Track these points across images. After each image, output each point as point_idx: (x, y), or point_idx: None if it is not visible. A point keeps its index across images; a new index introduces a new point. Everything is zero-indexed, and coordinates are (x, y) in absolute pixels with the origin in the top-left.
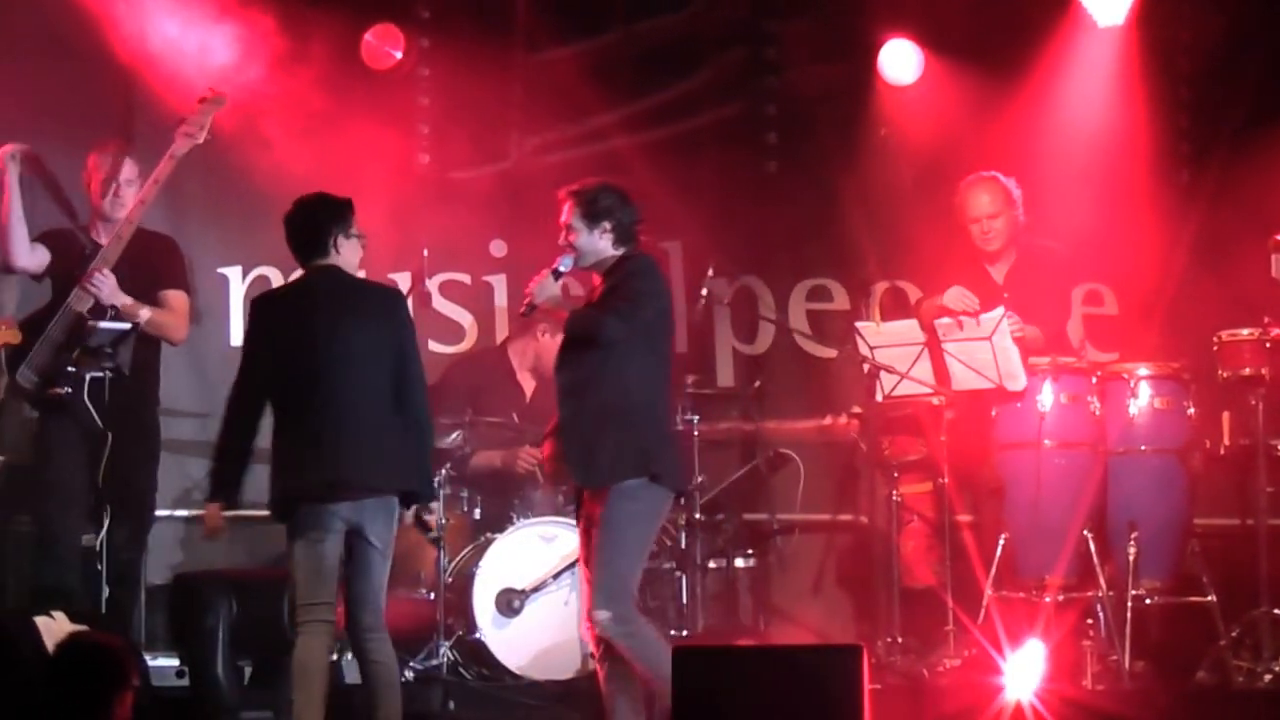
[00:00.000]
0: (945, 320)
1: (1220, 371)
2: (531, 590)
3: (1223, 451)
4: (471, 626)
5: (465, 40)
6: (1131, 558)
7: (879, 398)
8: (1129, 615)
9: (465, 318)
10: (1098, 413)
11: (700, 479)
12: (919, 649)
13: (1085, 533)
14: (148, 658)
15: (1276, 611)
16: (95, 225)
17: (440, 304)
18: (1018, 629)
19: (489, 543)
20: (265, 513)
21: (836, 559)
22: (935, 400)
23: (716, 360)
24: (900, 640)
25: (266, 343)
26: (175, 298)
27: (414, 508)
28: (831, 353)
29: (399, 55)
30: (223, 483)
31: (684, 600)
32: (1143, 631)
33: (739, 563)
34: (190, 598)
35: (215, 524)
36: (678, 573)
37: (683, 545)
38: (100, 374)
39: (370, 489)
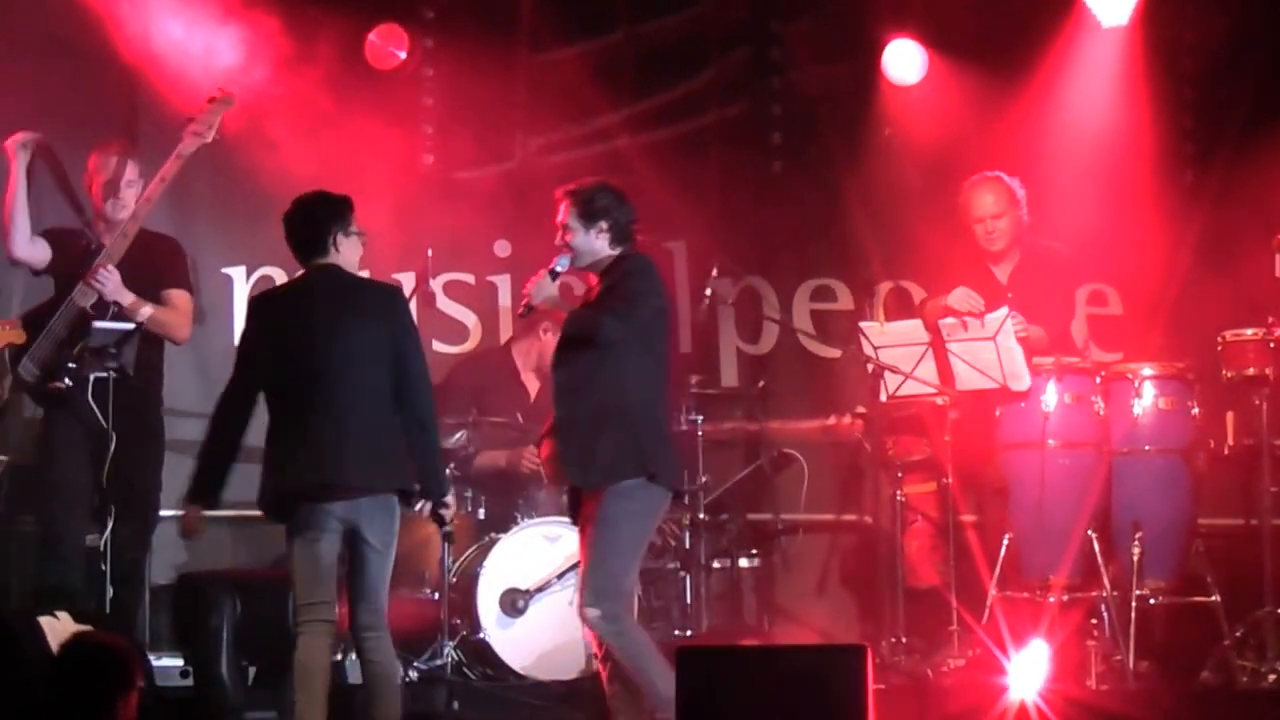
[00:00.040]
0: (949, 320)
1: (1224, 372)
2: (536, 590)
3: (1227, 452)
4: (475, 626)
5: (469, 40)
6: (1136, 558)
7: (883, 398)
8: (1133, 615)
9: (469, 318)
10: (1102, 413)
11: (704, 479)
12: (923, 649)
13: (1089, 533)
14: (152, 658)
15: None
16: (98, 224)
17: (444, 304)
18: (1022, 629)
19: (493, 543)
20: None
21: (841, 559)
22: (939, 400)
23: (720, 360)
24: (904, 640)
25: (264, 343)
26: (178, 297)
27: (429, 503)
28: (836, 353)
29: (403, 55)
30: (203, 484)
31: (688, 600)
32: (1147, 632)
33: (743, 563)
34: (194, 598)
35: (193, 526)
36: (682, 573)
37: (687, 545)
38: (104, 374)
39: (363, 489)
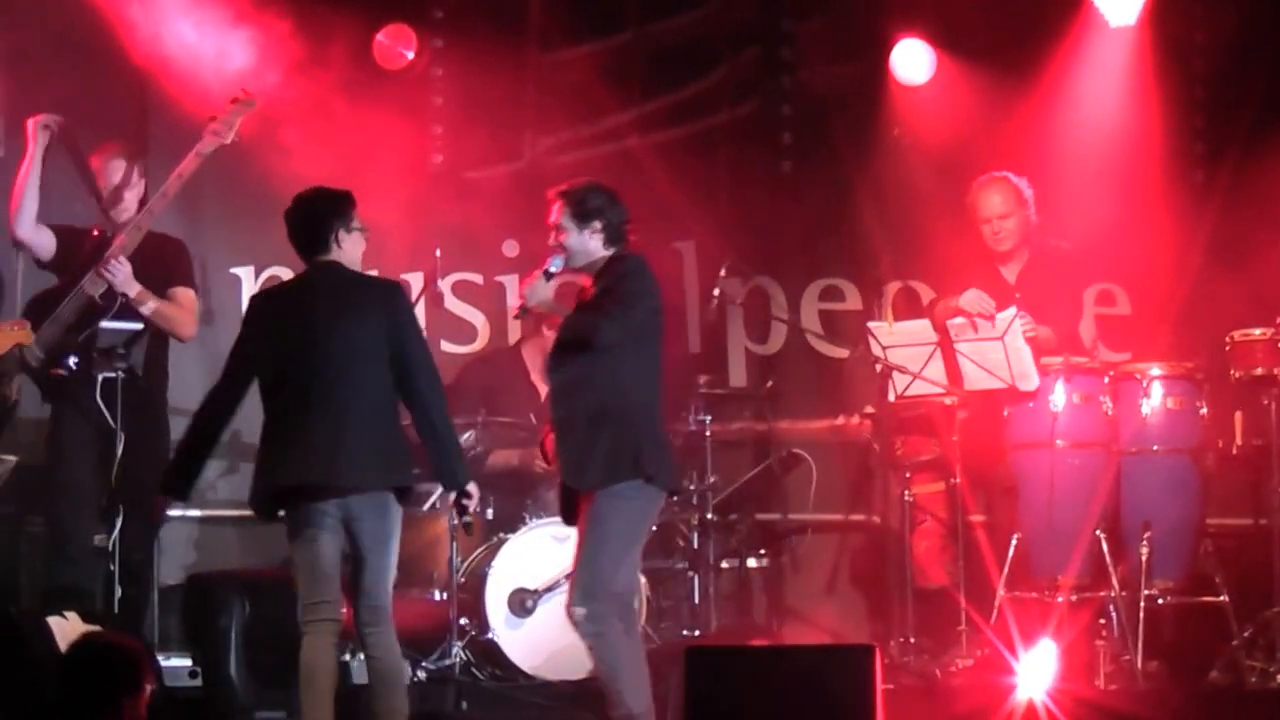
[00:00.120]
0: (958, 320)
1: (1233, 371)
2: (544, 590)
3: (1235, 452)
4: (484, 626)
5: (479, 40)
6: (1144, 558)
7: (891, 398)
8: (1142, 615)
9: (478, 318)
10: (1110, 413)
11: (713, 479)
12: (932, 649)
13: (1098, 533)
14: (161, 658)
15: None
16: (106, 221)
17: (453, 304)
18: (1030, 629)
19: (502, 543)
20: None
21: (849, 559)
22: (948, 400)
23: (729, 360)
24: (913, 640)
25: (262, 343)
26: (184, 294)
27: (453, 495)
28: (844, 353)
29: (411, 55)
30: (175, 478)
31: (697, 600)
32: (1156, 632)
33: (752, 563)
34: (203, 598)
35: (157, 518)
36: (691, 573)
37: (695, 546)
38: (113, 374)
39: (355, 488)
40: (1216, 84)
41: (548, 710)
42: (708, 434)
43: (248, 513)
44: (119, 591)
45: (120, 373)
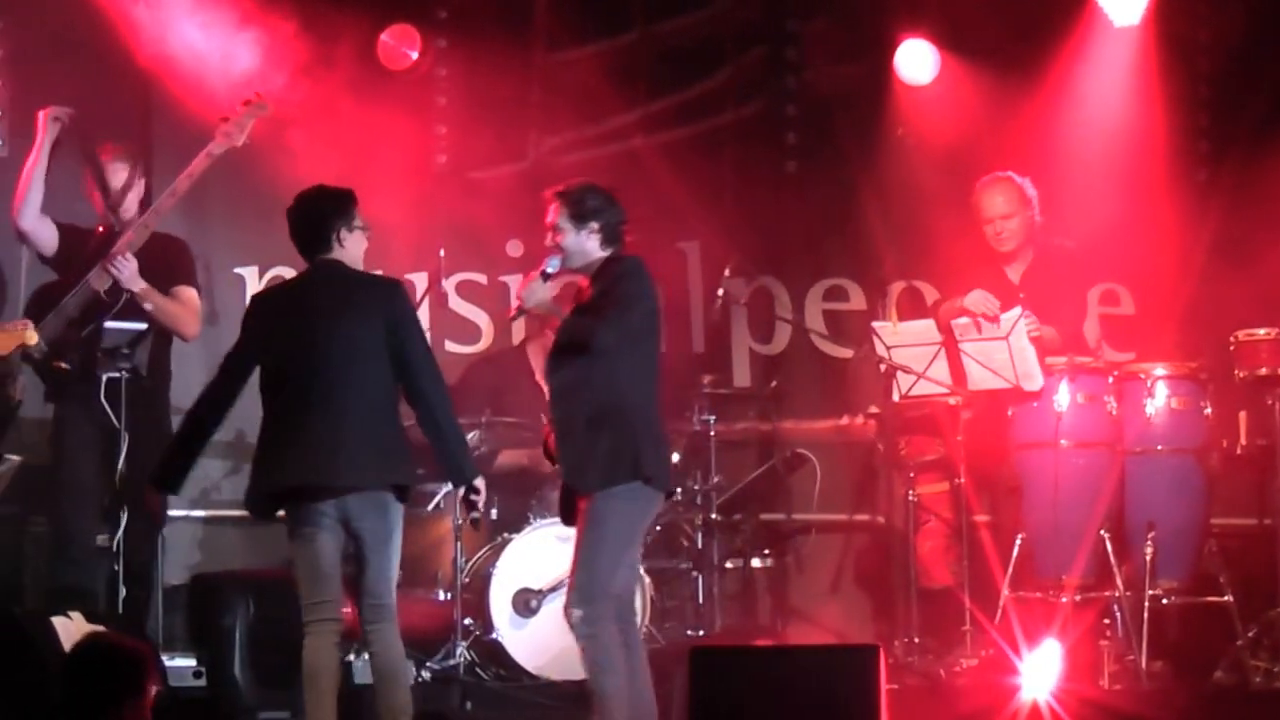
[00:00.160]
0: (962, 320)
1: (1237, 371)
2: (548, 590)
3: (1240, 451)
4: (488, 627)
5: (483, 40)
6: (1149, 558)
7: (896, 398)
8: (1146, 615)
9: (482, 318)
10: (1114, 413)
11: (717, 479)
12: (936, 649)
13: (1102, 533)
14: (165, 658)
15: None
16: (114, 218)
17: (457, 304)
18: (1035, 629)
19: (506, 543)
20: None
21: (854, 559)
22: (952, 400)
23: (733, 360)
24: (917, 640)
25: (261, 343)
26: (186, 293)
27: (461, 490)
28: (848, 353)
29: (415, 55)
30: (167, 473)
31: (701, 600)
32: (1160, 632)
33: (756, 563)
34: (208, 598)
35: (153, 505)
36: (695, 573)
37: (700, 546)
38: (117, 374)
39: (350, 487)
40: (1221, 83)
41: (552, 710)
42: (712, 434)
43: None
44: (123, 592)
45: (124, 373)
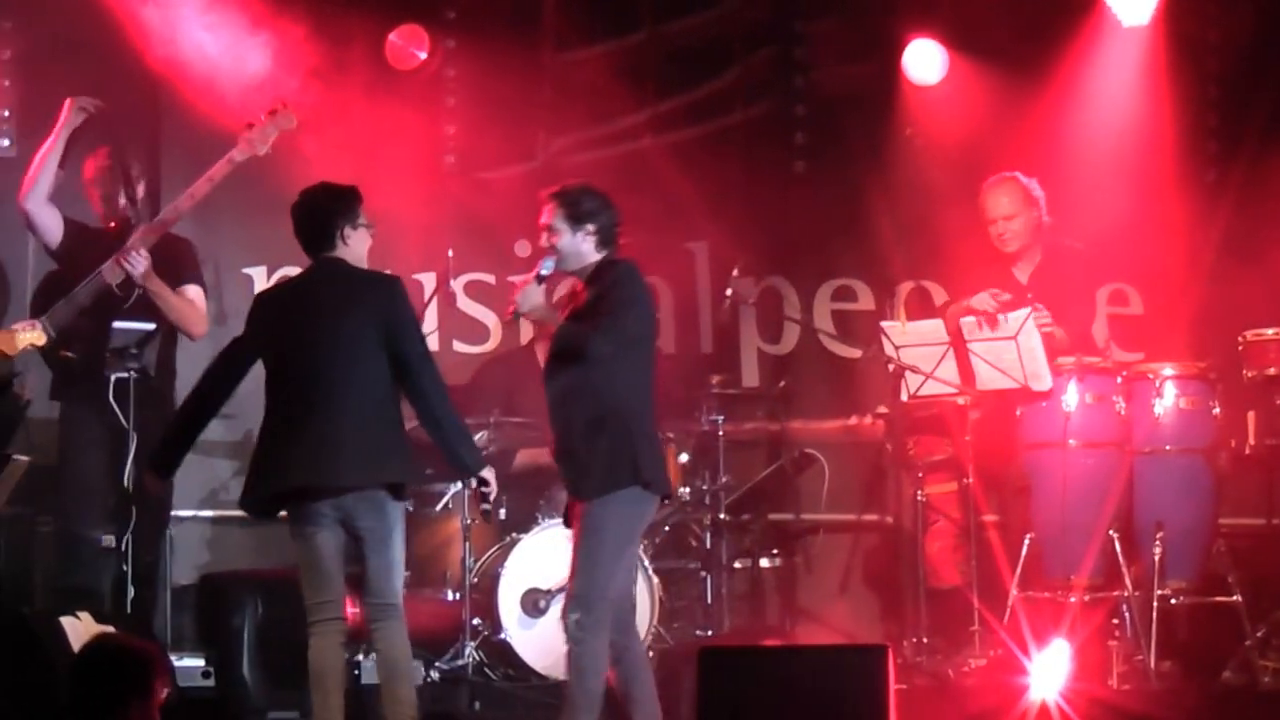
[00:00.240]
0: (970, 320)
1: (1245, 371)
2: (557, 590)
3: (1248, 451)
4: (497, 627)
5: (491, 40)
6: (1157, 558)
7: (904, 397)
8: (1155, 615)
9: (490, 318)
10: (1123, 412)
11: (726, 479)
12: (945, 649)
13: (1111, 533)
14: (174, 658)
15: None
16: (132, 211)
17: (465, 304)
18: (1043, 629)
19: (514, 543)
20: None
21: (862, 559)
22: (960, 400)
23: (742, 360)
24: (926, 640)
25: (261, 343)
26: (193, 292)
27: (473, 483)
28: (857, 353)
29: (423, 56)
30: (163, 456)
31: (710, 601)
32: (1169, 631)
33: (765, 563)
34: (217, 598)
35: (154, 490)
36: (704, 573)
37: (708, 546)
38: (125, 374)
39: (347, 487)
40: (1230, 83)
41: (560, 710)
42: (720, 434)
43: None
44: (131, 592)
45: (132, 373)
